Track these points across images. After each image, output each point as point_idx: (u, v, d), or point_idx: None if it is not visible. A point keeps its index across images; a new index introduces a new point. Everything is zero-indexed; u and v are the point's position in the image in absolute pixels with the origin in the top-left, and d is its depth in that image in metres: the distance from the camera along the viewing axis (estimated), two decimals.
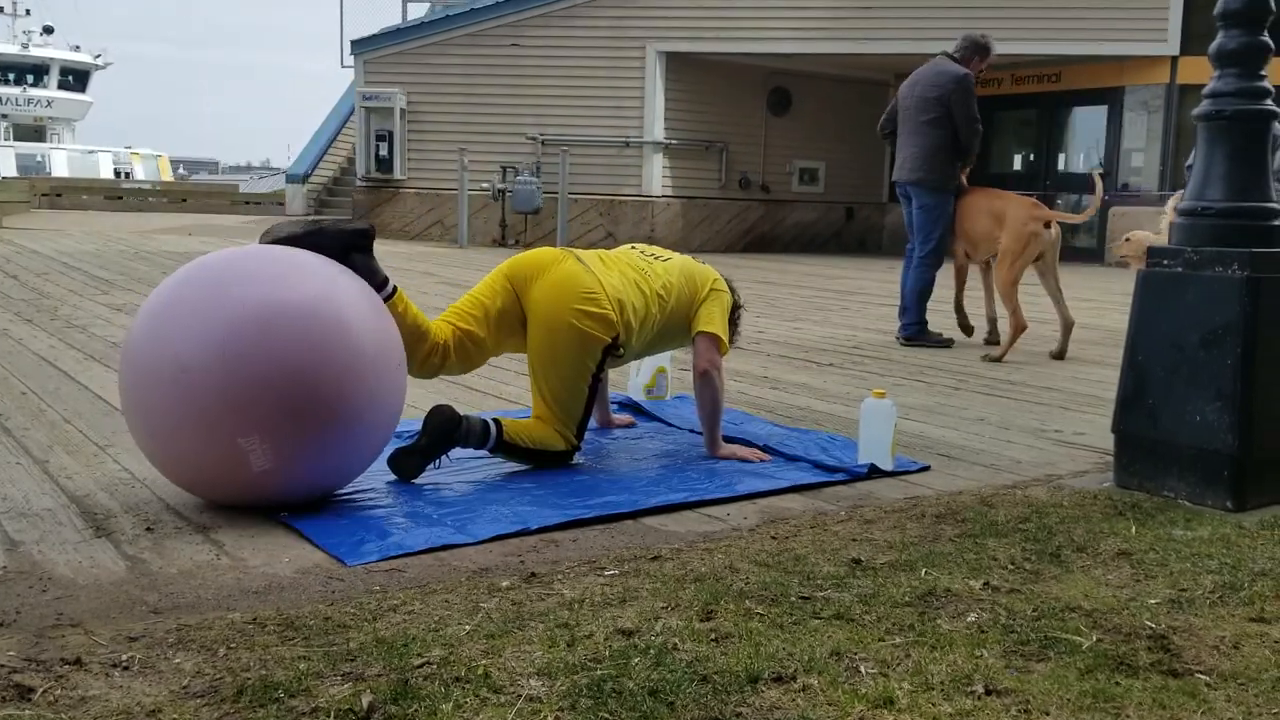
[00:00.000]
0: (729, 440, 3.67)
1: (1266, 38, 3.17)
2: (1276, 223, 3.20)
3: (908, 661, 2.00)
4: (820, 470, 3.43)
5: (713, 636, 2.09)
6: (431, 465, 3.23)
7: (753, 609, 2.24)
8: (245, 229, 15.42)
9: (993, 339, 6.39)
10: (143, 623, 2.15)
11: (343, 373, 2.78)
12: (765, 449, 3.64)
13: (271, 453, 2.70)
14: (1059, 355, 6.00)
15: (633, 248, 3.79)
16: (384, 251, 13.13)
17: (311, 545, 2.65)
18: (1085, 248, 14.45)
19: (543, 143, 15.21)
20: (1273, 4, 3.17)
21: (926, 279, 6.51)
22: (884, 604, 2.28)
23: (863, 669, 1.96)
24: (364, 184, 16.15)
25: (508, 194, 15.18)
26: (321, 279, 2.87)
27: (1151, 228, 7.47)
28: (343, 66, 17.82)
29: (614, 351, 3.45)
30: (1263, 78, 3.19)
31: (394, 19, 18.73)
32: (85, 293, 7.77)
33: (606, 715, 1.77)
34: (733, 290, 3.82)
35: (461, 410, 3.30)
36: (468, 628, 2.12)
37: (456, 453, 3.30)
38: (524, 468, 3.38)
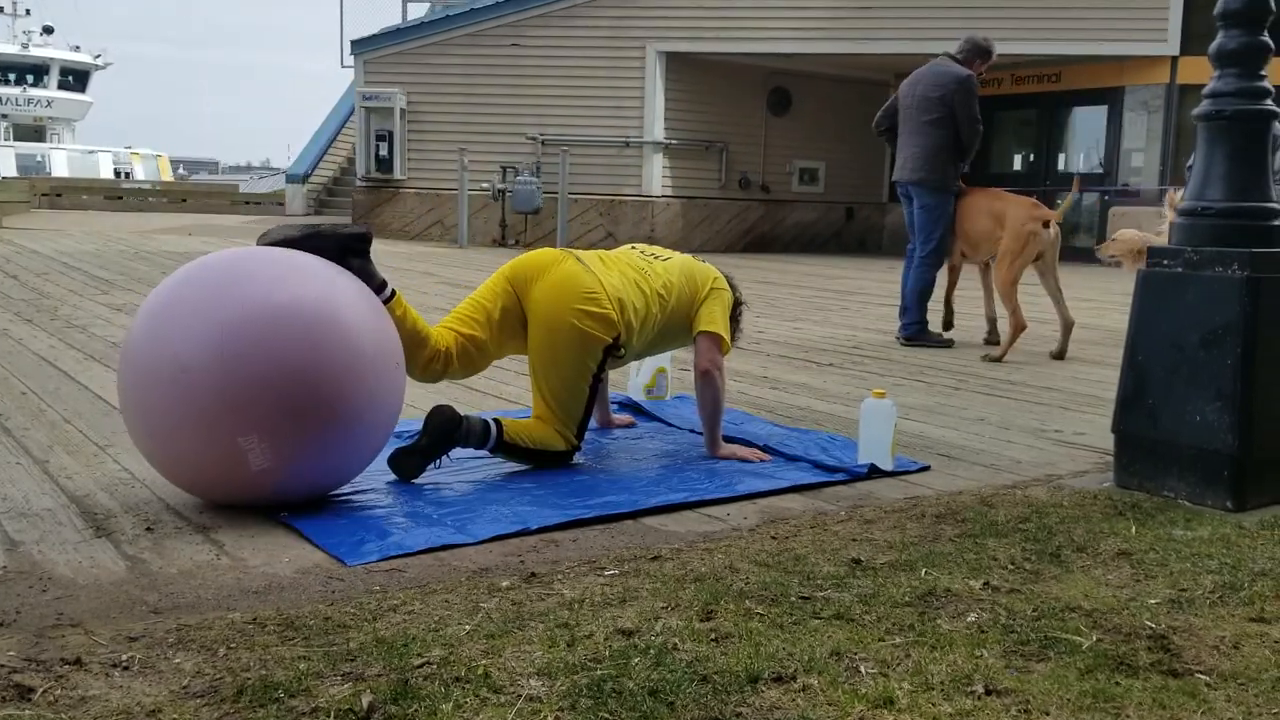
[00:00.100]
0: (729, 440, 3.67)
1: (1266, 38, 3.17)
2: (1276, 223, 3.20)
3: (908, 661, 2.00)
4: (820, 470, 3.43)
5: (713, 636, 2.09)
6: (431, 465, 3.23)
7: (753, 609, 2.24)
8: (245, 229, 15.41)
9: (993, 339, 6.39)
10: (143, 623, 2.15)
11: (342, 373, 2.78)
12: (765, 449, 3.64)
13: (270, 452, 2.70)
14: (1059, 355, 6.00)
15: (633, 248, 3.79)
16: (384, 252, 13.12)
17: (311, 545, 2.65)
18: (1085, 248, 14.43)
19: (543, 143, 15.21)
20: (1273, 4, 3.17)
21: (928, 279, 6.51)
22: (884, 604, 2.28)
23: (863, 669, 1.96)
24: (364, 184, 16.15)
25: (508, 194, 15.18)
26: (320, 280, 2.88)
27: (1151, 227, 7.47)
28: (343, 66, 17.84)
29: (615, 351, 3.45)
30: (1263, 78, 3.19)
31: (394, 19, 18.75)
32: (85, 293, 7.77)
33: (606, 715, 1.77)
34: (734, 288, 3.82)
35: (462, 410, 3.30)
36: (468, 628, 2.12)
37: (456, 453, 3.30)
38: (524, 468, 3.38)
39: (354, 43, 16.23)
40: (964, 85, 6.42)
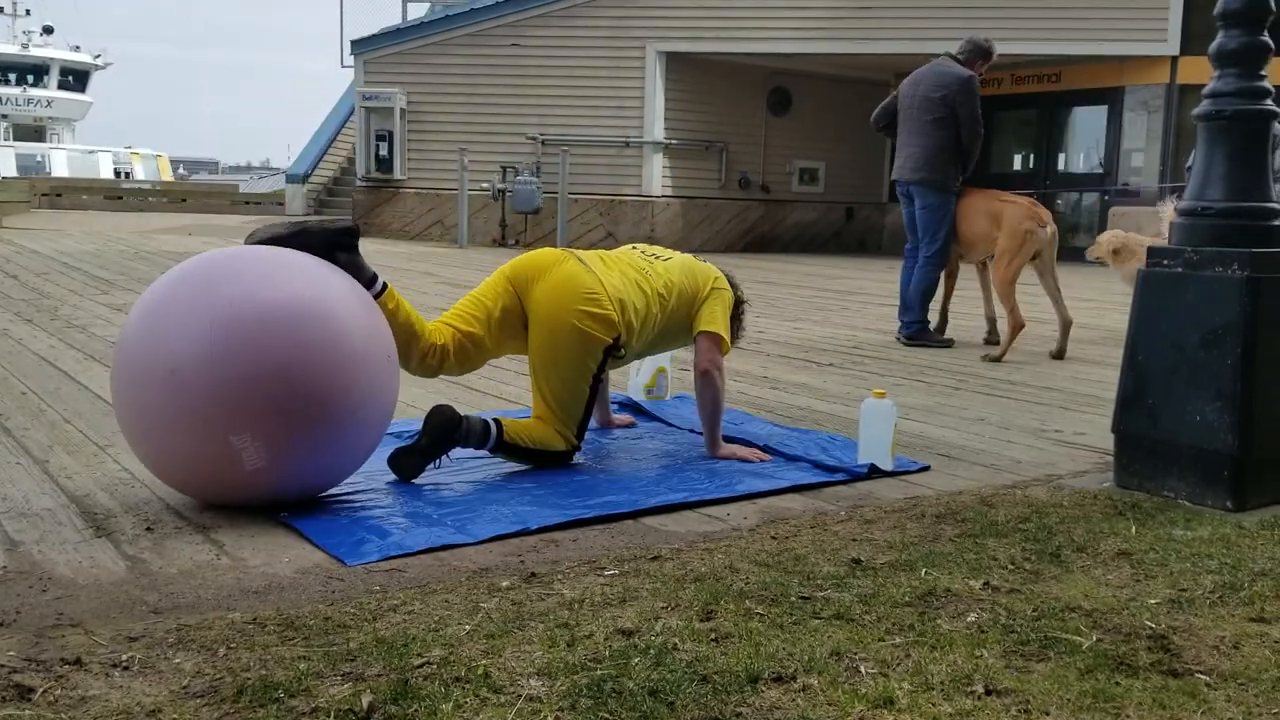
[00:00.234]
0: (729, 440, 3.67)
1: (1266, 38, 3.17)
2: (1276, 223, 3.20)
3: (908, 661, 2.00)
4: (820, 470, 3.43)
5: (713, 636, 2.09)
6: (431, 465, 3.23)
7: (753, 609, 2.24)
8: (245, 229, 15.31)
9: (992, 339, 6.40)
10: (143, 623, 2.15)
11: (334, 371, 2.77)
12: (765, 449, 3.64)
13: (264, 451, 2.70)
14: (1058, 355, 6.01)
15: (634, 247, 3.79)
16: (384, 251, 13.12)
17: (311, 545, 2.65)
18: (1086, 248, 14.43)
19: (543, 143, 15.21)
20: (1273, 4, 3.17)
21: (932, 279, 6.51)
22: (884, 604, 2.28)
23: (863, 669, 1.96)
24: (364, 184, 16.16)
25: (508, 194, 15.17)
26: (311, 277, 2.87)
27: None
28: (343, 66, 17.83)
29: (615, 352, 3.45)
30: (1263, 78, 3.19)
31: (394, 19, 18.74)
32: (85, 293, 7.77)
33: (606, 715, 1.77)
34: (736, 286, 3.82)
35: (462, 410, 3.30)
36: (468, 628, 2.12)
37: (456, 453, 3.30)
38: (524, 468, 3.38)
39: (354, 43, 16.23)
40: (966, 86, 6.43)
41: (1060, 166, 15.99)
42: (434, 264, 11.42)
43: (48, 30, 43.47)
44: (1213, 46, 3.21)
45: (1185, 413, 3.16)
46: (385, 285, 3.18)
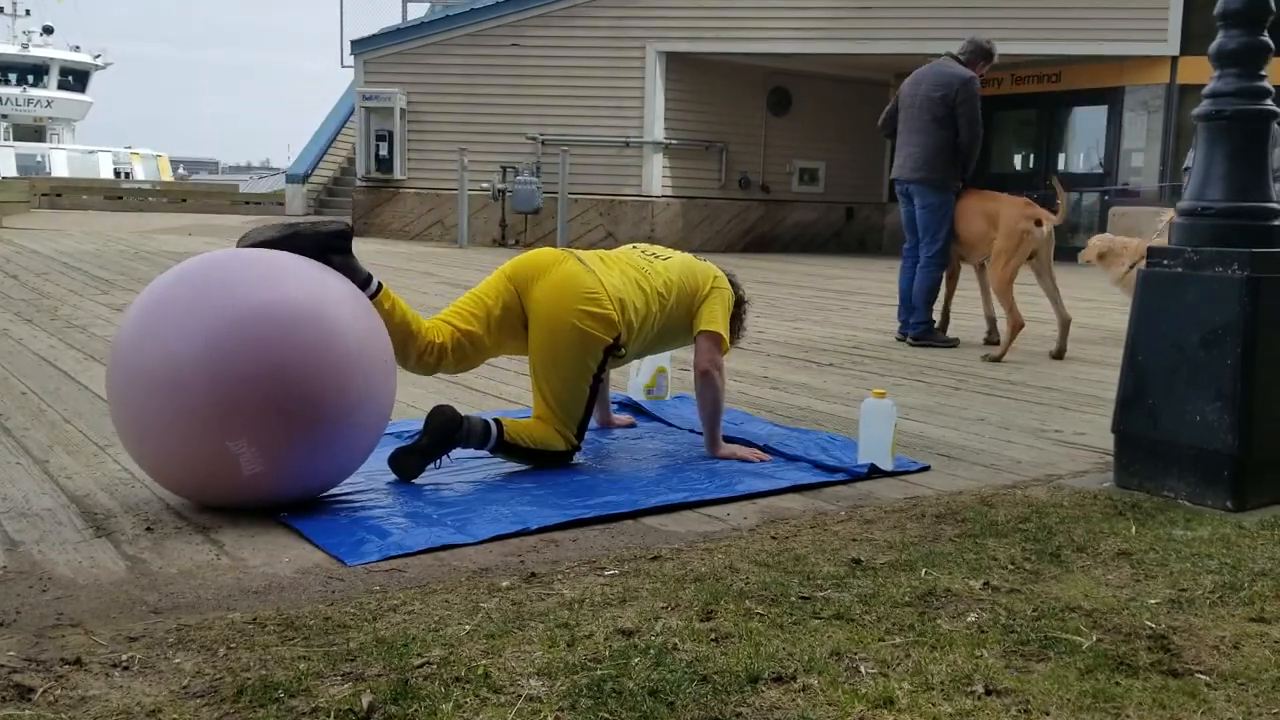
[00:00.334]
0: (729, 440, 3.67)
1: (1266, 38, 3.17)
2: (1276, 223, 3.20)
3: (908, 661, 2.00)
4: (820, 470, 3.43)
5: (713, 636, 2.09)
6: (432, 465, 3.23)
7: (753, 609, 2.24)
8: (245, 229, 15.38)
9: (992, 339, 6.40)
10: (143, 623, 2.15)
11: (330, 373, 2.77)
12: (765, 449, 3.64)
13: (262, 455, 2.70)
14: (1058, 354, 6.01)
15: (634, 247, 3.79)
16: (384, 251, 13.12)
17: (311, 545, 2.65)
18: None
19: (543, 143, 15.21)
20: (1273, 4, 3.17)
21: (935, 279, 6.51)
22: (884, 604, 2.28)
23: (863, 669, 1.96)
24: (364, 184, 16.15)
25: (508, 194, 15.17)
26: (306, 280, 2.86)
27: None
28: (343, 66, 17.83)
29: (615, 351, 3.45)
30: (1263, 78, 3.19)
31: (394, 19, 18.75)
32: (85, 293, 7.77)
33: (606, 715, 1.78)
34: (737, 285, 3.82)
35: (462, 410, 3.30)
36: (468, 628, 2.12)
37: (456, 453, 3.30)
38: (524, 468, 3.38)
39: (354, 43, 16.23)
40: (967, 87, 6.43)
41: (1060, 167, 15.99)
42: (434, 264, 11.43)
43: (48, 30, 43.48)
44: (1213, 46, 3.21)
45: (1185, 413, 3.16)
46: (380, 286, 3.18)
